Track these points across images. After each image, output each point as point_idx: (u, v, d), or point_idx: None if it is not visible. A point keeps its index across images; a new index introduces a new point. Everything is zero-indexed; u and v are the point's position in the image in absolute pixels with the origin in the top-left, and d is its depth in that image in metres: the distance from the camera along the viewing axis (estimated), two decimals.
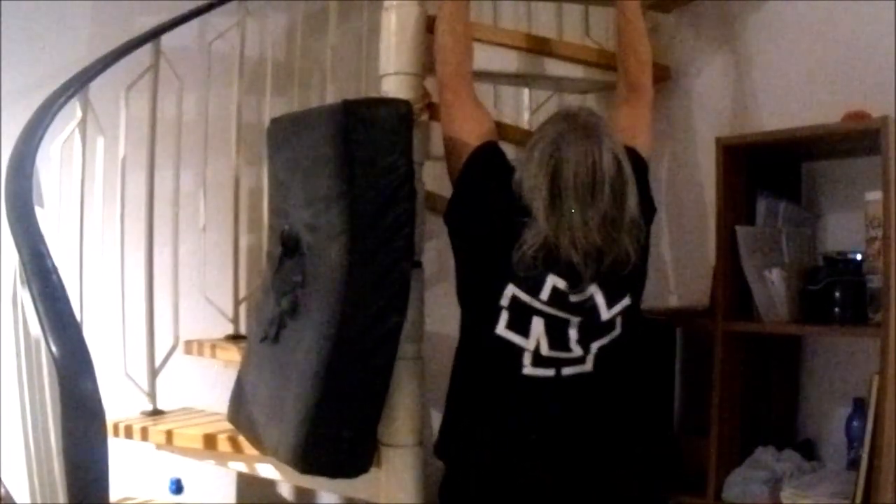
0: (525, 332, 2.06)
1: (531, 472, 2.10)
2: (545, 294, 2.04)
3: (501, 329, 2.07)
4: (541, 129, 2.13)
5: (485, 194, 2.15)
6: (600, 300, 2.08)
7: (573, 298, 2.06)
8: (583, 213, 1.99)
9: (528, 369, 2.08)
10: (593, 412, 2.15)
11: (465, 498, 2.14)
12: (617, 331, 2.13)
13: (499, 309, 2.07)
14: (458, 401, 2.20)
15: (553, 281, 2.04)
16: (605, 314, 2.09)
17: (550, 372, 2.08)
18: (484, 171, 2.17)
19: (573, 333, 2.08)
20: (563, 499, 2.10)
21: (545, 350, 2.07)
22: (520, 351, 2.07)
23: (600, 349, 2.11)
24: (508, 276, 2.05)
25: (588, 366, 2.10)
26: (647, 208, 2.19)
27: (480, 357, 2.15)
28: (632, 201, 2.04)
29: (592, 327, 2.09)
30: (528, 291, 2.05)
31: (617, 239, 2.03)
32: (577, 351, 2.08)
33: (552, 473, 2.09)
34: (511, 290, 2.05)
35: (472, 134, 2.19)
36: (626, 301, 2.12)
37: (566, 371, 2.09)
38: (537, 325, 2.06)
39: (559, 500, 2.09)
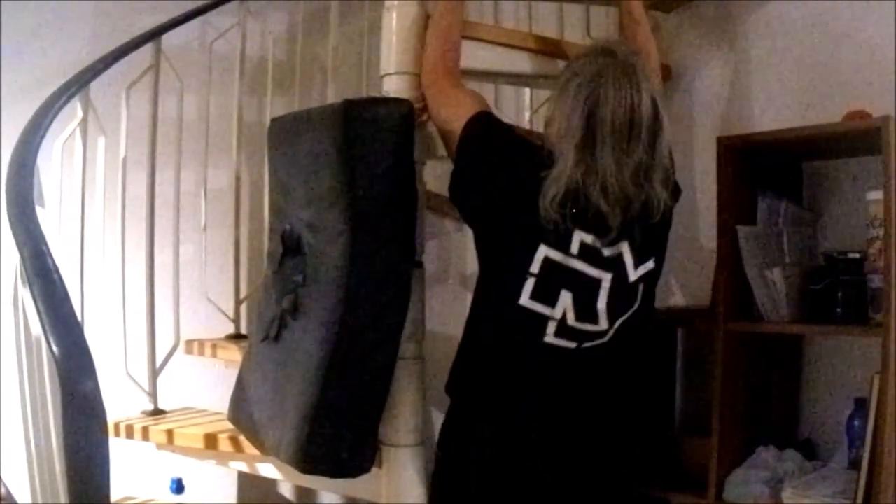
0: (552, 302, 2.01)
1: (542, 442, 2.09)
2: (575, 249, 1.98)
3: (525, 300, 2.01)
4: (575, 66, 2.04)
5: (492, 159, 2.08)
6: (628, 258, 2.02)
7: (606, 252, 2.00)
8: (617, 158, 1.92)
9: (549, 338, 2.03)
10: (606, 385, 2.14)
11: (469, 473, 2.13)
12: (637, 302, 2.09)
13: (525, 276, 1.99)
14: (469, 369, 2.17)
15: (580, 236, 1.98)
16: (632, 274, 2.04)
17: (572, 344, 2.05)
18: (482, 137, 2.10)
19: (602, 303, 2.02)
20: (571, 473, 2.09)
21: (571, 321, 2.02)
22: (544, 320, 2.02)
23: (622, 323, 2.08)
24: (538, 235, 1.98)
25: (607, 339, 2.07)
26: (675, 189, 2.14)
27: (500, 328, 2.10)
28: (665, 150, 1.97)
29: (620, 290, 2.03)
30: (560, 248, 1.98)
31: (647, 188, 1.96)
32: (603, 324, 2.04)
33: (562, 446, 2.08)
34: (543, 251, 1.98)
35: (459, 115, 2.12)
36: (650, 264, 2.08)
37: (587, 345, 2.06)
38: (565, 297, 2.00)
39: (567, 473, 2.08)
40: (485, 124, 2.11)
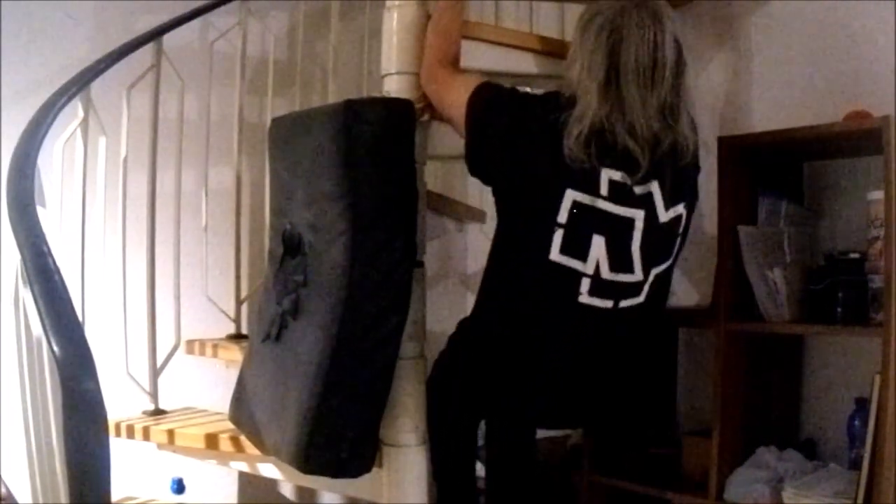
0: (584, 254, 1.98)
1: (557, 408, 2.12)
2: (604, 189, 1.95)
3: (556, 254, 1.98)
4: (596, 6, 2.03)
5: (504, 117, 2.06)
6: (658, 197, 2.00)
7: (637, 190, 1.97)
8: (642, 97, 1.91)
9: (584, 297, 2.00)
10: (644, 347, 2.14)
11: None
12: (671, 257, 2.08)
13: (555, 229, 1.97)
14: (488, 323, 2.16)
15: (608, 175, 1.95)
16: (662, 214, 2.01)
17: (609, 303, 2.02)
18: (489, 100, 2.09)
19: (636, 246, 1.99)
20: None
21: (606, 272, 1.99)
22: (577, 277, 1.99)
23: (656, 276, 2.06)
24: (565, 180, 1.95)
25: (642, 297, 2.06)
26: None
27: (528, 287, 2.07)
28: (690, 88, 1.97)
29: (654, 234, 2.01)
30: (587, 191, 1.95)
31: (674, 127, 1.95)
32: (638, 272, 2.02)
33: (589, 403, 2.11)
34: (571, 196, 1.95)
35: (460, 94, 2.12)
36: (680, 209, 2.06)
37: (624, 303, 2.03)
38: (598, 243, 1.97)
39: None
40: (488, 90, 2.11)
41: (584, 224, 1.97)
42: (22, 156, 2.24)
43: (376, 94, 2.38)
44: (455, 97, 2.14)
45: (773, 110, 2.77)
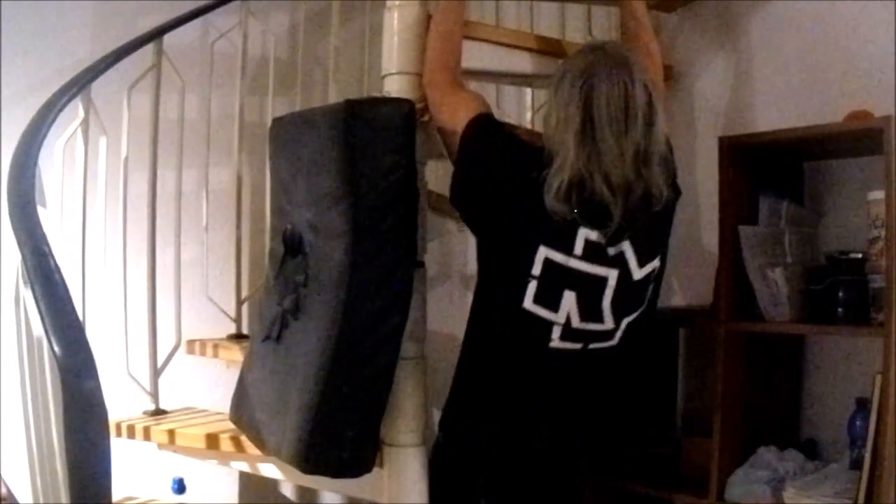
0: (555, 305, 2.02)
1: (546, 447, 2.10)
2: (579, 249, 1.99)
3: (528, 303, 2.02)
4: (567, 63, 2.08)
5: (492, 161, 2.10)
6: (631, 258, 2.03)
7: (610, 251, 2.01)
8: (617, 144, 1.94)
9: (555, 342, 2.05)
10: (615, 386, 2.17)
11: (466, 469, 2.14)
12: (644, 303, 2.12)
13: (527, 279, 2.01)
14: (471, 376, 2.18)
15: (585, 234, 1.99)
16: (636, 272, 2.05)
17: (578, 345, 2.06)
18: (483, 141, 2.11)
19: (607, 300, 2.03)
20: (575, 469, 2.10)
21: (576, 322, 2.03)
22: (549, 324, 2.04)
23: (629, 325, 2.09)
24: (539, 236, 2.00)
25: (615, 340, 2.09)
26: (674, 189, 2.16)
27: (503, 332, 2.12)
28: (661, 135, 2.00)
29: (626, 290, 2.05)
30: (561, 249, 1.99)
31: (647, 174, 1.98)
32: (608, 322, 2.05)
33: (566, 447, 2.10)
34: (543, 252, 2.00)
35: (459, 117, 2.13)
36: (655, 262, 2.09)
37: (593, 346, 2.07)
38: (568, 298, 2.02)
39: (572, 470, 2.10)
40: (484, 127, 2.12)
41: (556, 279, 2.01)
42: (22, 156, 2.24)
43: (377, 94, 2.38)
44: (451, 115, 2.15)
45: (773, 110, 2.77)
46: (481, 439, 2.16)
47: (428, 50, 2.23)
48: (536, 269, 2.01)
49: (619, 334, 2.09)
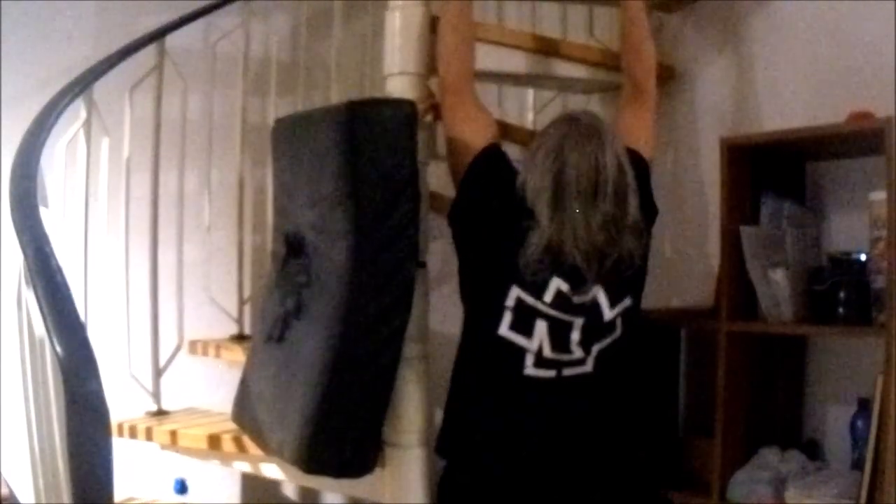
0: (528, 333, 2.09)
1: (532, 471, 2.11)
2: (549, 297, 2.07)
3: (504, 330, 2.10)
4: (543, 134, 2.16)
5: (489, 198, 2.17)
6: (603, 301, 2.11)
7: (576, 300, 2.08)
8: (585, 215, 2.02)
9: (529, 370, 2.11)
10: (593, 412, 2.18)
11: (465, 496, 2.16)
12: (617, 332, 2.16)
13: (503, 309, 2.09)
14: (459, 399, 2.22)
15: (557, 284, 2.07)
16: (607, 314, 2.12)
17: (551, 373, 2.12)
18: (488, 174, 2.19)
19: (575, 336, 2.11)
20: (563, 499, 2.11)
21: (547, 352, 2.10)
22: (522, 351, 2.10)
23: (601, 351, 2.14)
24: (513, 278, 2.08)
25: (588, 367, 2.14)
26: (649, 210, 2.22)
27: (482, 356, 2.18)
28: (633, 203, 2.07)
29: (595, 329, 2.12)
30: (532, 294, 2.08)
31: (619, 240, 2.06)
32: (577, 353, 2.12)
33: (553, 473, 2.11)
34: (516, 291, 2.08)
35: (475, 135, 2.21)
36: (627, 302, 2.16)
37: (567, 372, 2.12)
38: (541, 327, 2.09)
39: (559, 500, 2.10)
40: (495, 161, 2.21)
41: (527, 313, 2.09)
42: (25, 156, 2.24)
43: (379, 95, 2.38)
44: (461, 130, 2.22)
45: (775, 111, 2.77)
46: (477, 466, 2.18)
47: (444, 50, 2.24)
48: (510, 302, 2.09)
49: (591, 360, 2.14)
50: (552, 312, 2.08)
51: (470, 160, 2.19)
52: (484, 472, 2.15)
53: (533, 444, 2.13)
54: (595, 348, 2.13)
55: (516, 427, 2.14)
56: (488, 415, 2.17)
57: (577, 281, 2.07)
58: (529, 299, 2.08)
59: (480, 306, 2.18)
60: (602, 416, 2.20)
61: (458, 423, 2.21)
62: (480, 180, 2.19)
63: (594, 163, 2.02)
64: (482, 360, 2.18)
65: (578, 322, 2.09)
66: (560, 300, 2.08)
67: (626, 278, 2.12)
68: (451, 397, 2.24)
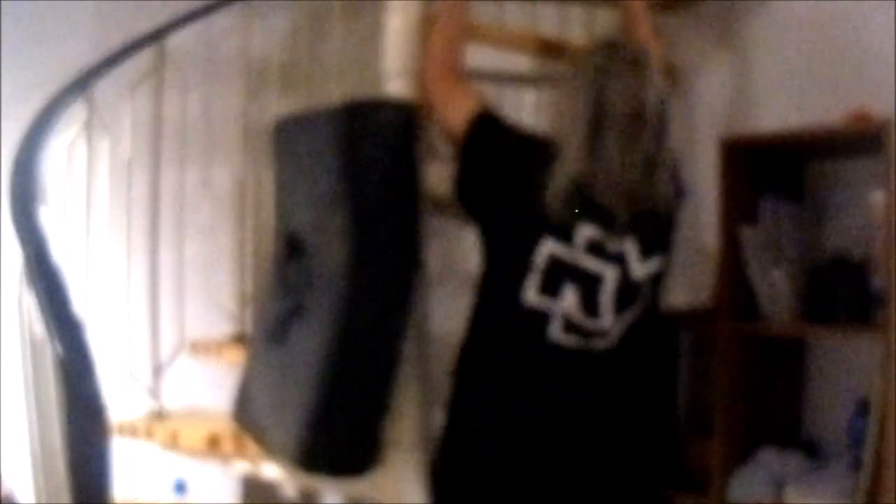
0: (555, 295, 1.99)
1: (544, 447, 2.08)
2: (579, 241, 1.97)
3: (528, 295, 2.00)
4: (581, 59, 2.04)
5: (493, 157, 2.08)
6: (633, 255, 2.01)
7: (610, 247, 1.98)
8: (623, 151, 1.91)
9: (554, 335, 2.01)
10: (612, 393, 2.13)
11: (471, 473, 2.12)
12: (644, 302, 2.08)
13: (529, 273, 1.98)
14: (469, 374, 2.16)
15: (584, 230, 1.96)
16: (636, 270, 2.02)
17: (577, 343, 2.03)
18: (484, 137, 2.09)
19: (605, 298, 2.01)
20: (573, 479, 2.09)
21: (576, 316, 2.00)
22: (548, 317, 2.00)
23: (628, 329, 2.07)
24: (541, 228, 1.97)
25: (613, 339, 2.06)
26: (680, 191, 2.14)
27: (503, 328, 2.09)
28: (670, 144, 1.97)
29: (624, 289, 2.02)
30: (563, 241, 1.96)
31: (654, 181, 1.95)
32: (607, 319, 2.03)
33: (556, 462, 2.09)
34: (545, 244, 1.97)
35: (465, 116, 2.11)
36: (656, 263, 2.06)
37: (591, 345, 2.04)
38: (569, 289, 1.98)
39: (568, 480, 2.08)
40: (485, 123, 2.10)
41: (557, 271, 1.99)
42: (24, 156, 2.25)
43: (378, 95, 2.38)
44: (452, 114, 2.13)
45: (774, 111, 2.77)
46: (482, 450, 2.13)
47: (430, 49, 2.23)
48: (538, 261, 1.98)
49: (617, 334, 2.07)
50: (584, 260, 1.97)
51: (463, 132, 2.09)
52: (489, 456, 2.10)
53: (550, 415, 2.08)
54: (623, 319, 2.05)
55: (535, 399, 2.07)
56: (505, 384, 2.08)
57: (608, 225, 1.95)
58: (561, 249, 1.96)
59: (503, 270, 2.06)
60: (614, 403, 2.14)
61: (468, 399, 2.15)
62: (477, 146, 2.08)
63: (637, 95, 1.91)
64: (502, 329, 2.08)
65: (609, 276, 1.99)
66: (591, 246, 1.96)
67: (659, 229, 2.04)
68: (461, 372, 2.16)
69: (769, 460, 2.47)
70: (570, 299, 2.00)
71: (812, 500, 2.30)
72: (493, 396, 2.13)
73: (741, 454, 2.51)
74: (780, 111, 2.74)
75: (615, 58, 1.96)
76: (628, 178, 1.93)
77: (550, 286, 2.00)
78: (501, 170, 2.07)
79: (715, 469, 2.48)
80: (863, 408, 2.37)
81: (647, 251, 2.04)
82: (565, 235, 1.97)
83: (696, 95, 2.99)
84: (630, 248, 2.02)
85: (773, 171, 2.59)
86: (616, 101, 1.91)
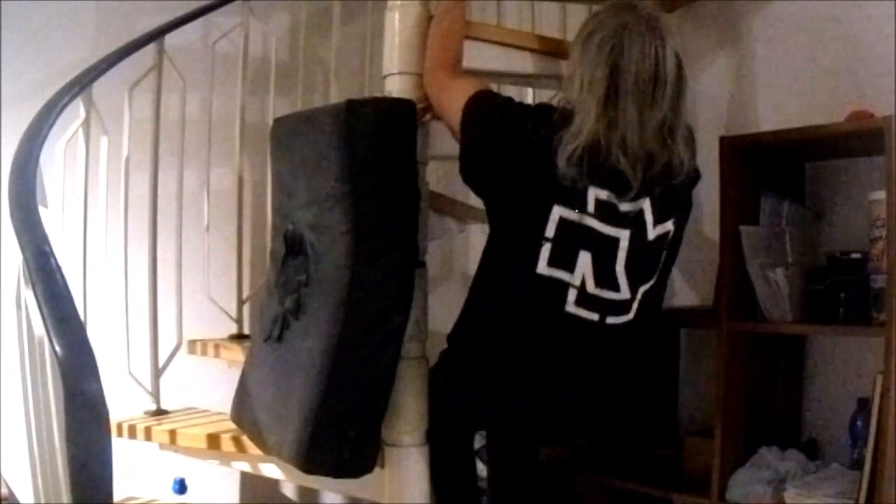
0: (570, 266, 1.98)
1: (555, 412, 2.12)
2: (591, 207, 1.95)
3: (543, 266, 1.98)
4: (597, 20, 2.01)
5: (496, 129, 2.06)
6: (648, 215, 2.00)
7: (623, 208, 1.97)
8: (641, 115, 1.90)
9: (571, 307, 2.00)
10: (625, 368, 2.14)
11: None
12: (657, 272, 2.09)
13: (542, 243, 1.97)
14: (475, 348, 2.17)
15: (595, 193, 1.95)
16: (651, 232, 2.01)
17: (595, 316, 2.02)
18: (484, 110, 2.08)
19: (621, 266, 2.00)
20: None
21: (591, 287, 1.99)
22: (564, 287, 1.99)
23: (644, 294, 2.06)
24: (552, 195, 1.95)
25: (631, 314, 2.06)
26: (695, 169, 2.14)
27: (518, 298, 2.08)
28: (687, 108, 1.96)
29: (640, 253, 2.01)
30: (575, 207, 1.95)
31: (671, 145, 1.94)
32: (624, 290, 2.02)
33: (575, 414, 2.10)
34: (557, 211, 1.95)
35: (464, 98, 2.10)
36: (669, 225, 2.06)
37: (610, 320, 2.03)
38: (584, 259, 1.98)
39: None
40: (483, 100, 2.10)
41: (571, 239, 1.98)
42: (24, 156, 2.24)
43: (378, 95, 2.38)
44: (452, 102, 2.13)
45: (774, 110, 2.77)
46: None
47: (428, 49, 2.23)
48: (551, 230, 1.97)
49: (635, 306, 2.06)
50: (596, 225, 1.96)
51: (462, 112, 2.08)
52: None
53: (565, 387, 2.10)
54: (640, 290, 2.04)
55: (550, 369, 2.08)
56: (519, 356, 2.09)
57: (622, 187, 1.94)
58: (573, 215, 1.94)
59: (515, 241, 2.05)
60: (626, 377, 2.16)
61: (475, 363, 2.16)
62: (478, 121, 2.07)
63: (654, 56, 1.88)
64: (515, 301, 2.07)
65: (624, 239, 1.98)
66: (603, 210, 1.95)
67: (675, 191, 2.02)
68: (463, 342, 2.18)
69: (769, 460, 2.47)
70: (585, 268, 1.98)
71: (812, 500, 2.30)
72: (505, 364, 2.12)
73: (741, 454, 2.51)
74: (779, 110, 2.74)
75: (631, 19, 1.94)
76: (644, 142, 1.92)
77: (565, 256, 1.98)
78: (505, 138, 2.04)
79: (715, 469, 2.48)
80: (863, 407, 2.37)
81: (662, 213, 2.03)
82: (576, 201, 1.96)
83: (697, 95, 2.98)
84: (646, 207, 2.00)
85: (774, 170, 2.59)
86: (633, 62, 1.90)
